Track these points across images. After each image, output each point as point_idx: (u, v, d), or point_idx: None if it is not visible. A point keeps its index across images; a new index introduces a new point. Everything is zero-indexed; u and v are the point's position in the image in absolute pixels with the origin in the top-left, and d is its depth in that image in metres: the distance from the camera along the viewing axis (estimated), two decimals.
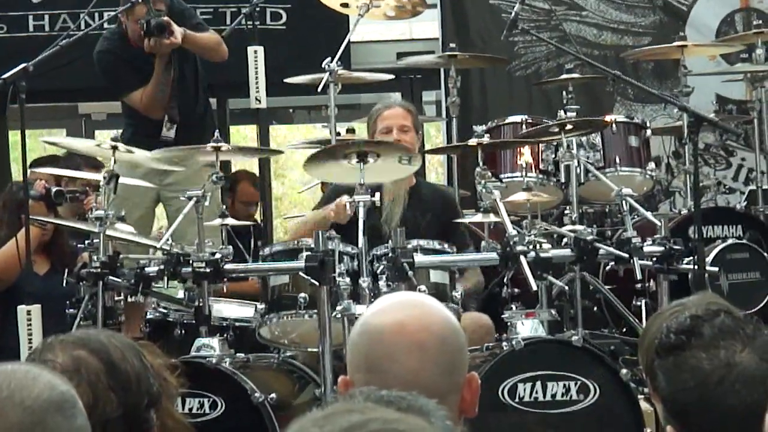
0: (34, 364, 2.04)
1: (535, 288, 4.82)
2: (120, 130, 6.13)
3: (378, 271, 4.94)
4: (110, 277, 4.99)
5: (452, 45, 7.04)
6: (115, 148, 5.20)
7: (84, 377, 2.10)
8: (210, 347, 4.95)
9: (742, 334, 2.25)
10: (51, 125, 10.42)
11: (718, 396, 2.20)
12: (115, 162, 5.21)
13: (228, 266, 5.04)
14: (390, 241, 4.91)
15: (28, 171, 5.45)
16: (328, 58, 6.06)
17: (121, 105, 6.77)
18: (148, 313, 5.42)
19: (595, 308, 6.11)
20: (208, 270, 4.97)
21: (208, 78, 6.83)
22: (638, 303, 5.61)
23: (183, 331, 5.32)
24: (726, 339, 2.24)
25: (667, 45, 6.95)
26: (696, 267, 5.06)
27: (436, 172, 10.20)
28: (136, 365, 2.21)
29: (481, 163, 5.30)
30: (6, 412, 1.71)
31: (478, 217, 5.32)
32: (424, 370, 2.22)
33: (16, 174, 7.91)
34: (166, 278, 5.03)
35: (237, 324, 5.38)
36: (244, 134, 11.85)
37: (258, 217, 8.19)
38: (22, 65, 5.09)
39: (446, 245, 5.15)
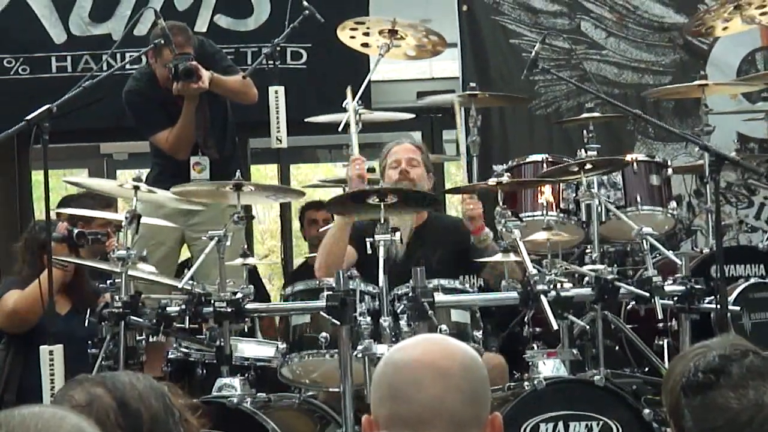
0: (58, 398, 2.08)
1: (556, 327, 4.81)
2: (141, 170, 6.15)
3: (399, 311, 4.94)
4: (132, 317, 5.00)
5: (472, 84, 7.04)
6: (137, 188, 5.22)
7: (93, 413, 2.12)
8: (231, 387, 4.95)
9: None
10: (73, 165, 10.46)
11: None
12: (137, 202, 5.23)
13: (249, 306, 5.05)
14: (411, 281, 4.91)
15: (51, 211, 5.47)
16: (349, 98, 6.09)
17: (149, 145, 6.80)
18: (169, 353, 5.42)
19: (617, 348, 6.08)
20: (229, 310, 4.98)
21: None
22: (660, 342, 5.57)
23: (204, 371, 5.32)
24: (755, 379, 2.24)
25: (688, 84, 6.94)
26: (718, 306, 5.04)
27: (457, 210, 10.19)
28: (153, 407, 2.22)
29: (501, 202, 5.31)
30: None
31: (498, 257, 5.31)
32: (448, 397, 2.23)
33: (39, 214, 7.93)
34: (187, 318, 5.04)
35: (258, 364, 5.37)
36: (265, 174, 11.87)
37: (279, 256, 8.19)
38: (46, 106, 5.11)
39: (467, 285, 5.14)
